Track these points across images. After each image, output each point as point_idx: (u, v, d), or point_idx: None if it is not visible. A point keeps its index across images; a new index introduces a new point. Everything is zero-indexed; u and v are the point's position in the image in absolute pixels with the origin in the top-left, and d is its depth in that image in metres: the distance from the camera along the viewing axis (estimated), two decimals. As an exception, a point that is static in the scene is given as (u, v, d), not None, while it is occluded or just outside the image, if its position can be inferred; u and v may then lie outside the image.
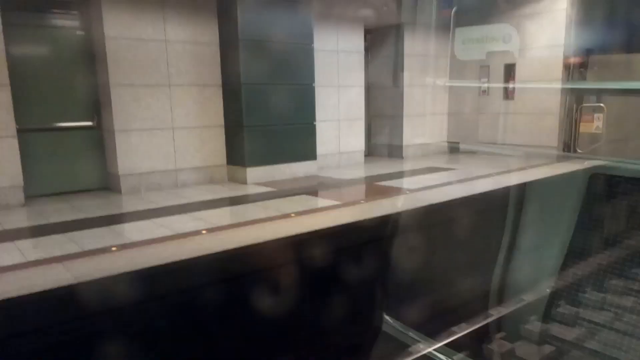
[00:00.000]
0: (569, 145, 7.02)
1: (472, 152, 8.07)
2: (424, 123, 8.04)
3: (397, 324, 3.89)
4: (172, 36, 5.18)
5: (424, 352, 3.67)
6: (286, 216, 3.81)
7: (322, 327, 3.45)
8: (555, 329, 4.31)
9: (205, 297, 2.85)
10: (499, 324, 4.24)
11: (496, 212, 4.82)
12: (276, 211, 4.01)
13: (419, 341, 3.75)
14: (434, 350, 3.68)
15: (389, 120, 7.87)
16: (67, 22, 4.95)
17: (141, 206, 4.41)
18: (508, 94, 7.57)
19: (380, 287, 3.80)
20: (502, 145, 7.73)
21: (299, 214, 3.91)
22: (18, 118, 4.45)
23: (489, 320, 4.23)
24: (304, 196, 4.70)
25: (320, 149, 6.49)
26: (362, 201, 4.42)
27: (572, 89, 6.92)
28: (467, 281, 4.46)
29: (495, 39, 7.56)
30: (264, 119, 5.55)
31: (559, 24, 6.77)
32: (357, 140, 7.13)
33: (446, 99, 8.27)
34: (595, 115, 6.87)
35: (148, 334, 2.62)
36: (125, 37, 4.89)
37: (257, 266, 3.12)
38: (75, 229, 3.56)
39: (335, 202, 4.34)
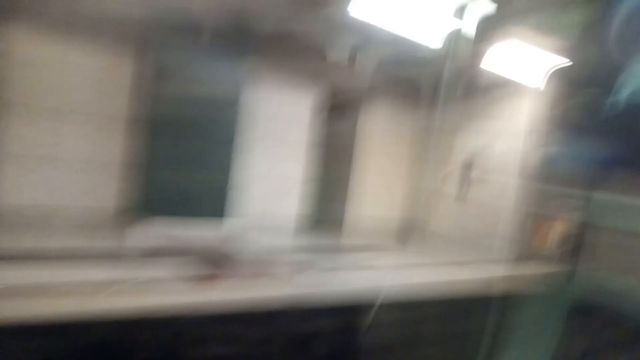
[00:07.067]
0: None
1: (430, 235, 7.25)
2: (384, 198, 7.33)
3: None
4: (77, 59, 4.71)
5: None
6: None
7: None
8: None
9: None
10: None
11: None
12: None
13: None
14: None
15: (343, 188, 7.18)
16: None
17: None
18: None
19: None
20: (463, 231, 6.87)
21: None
22: None
23: None
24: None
25: (248, 209, 5.84)
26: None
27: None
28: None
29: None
30: (169, 164, 4.93)
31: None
32: (295, 205, 6.42)
33: (412, 176, 7.57)
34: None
35: None
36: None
37: None
38: None
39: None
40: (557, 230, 5.82)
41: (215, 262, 3.88)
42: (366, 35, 5.27)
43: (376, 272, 4.45)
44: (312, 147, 6.54)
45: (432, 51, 5.57)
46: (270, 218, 6.15)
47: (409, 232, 7.53)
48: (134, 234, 4.82)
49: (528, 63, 5.97)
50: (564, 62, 5.81)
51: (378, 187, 7.27)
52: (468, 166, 6.75)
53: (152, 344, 3.04)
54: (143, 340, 3.02)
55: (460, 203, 6.81)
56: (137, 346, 3.02)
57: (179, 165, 4.99)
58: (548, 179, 5.94)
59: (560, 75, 5.88)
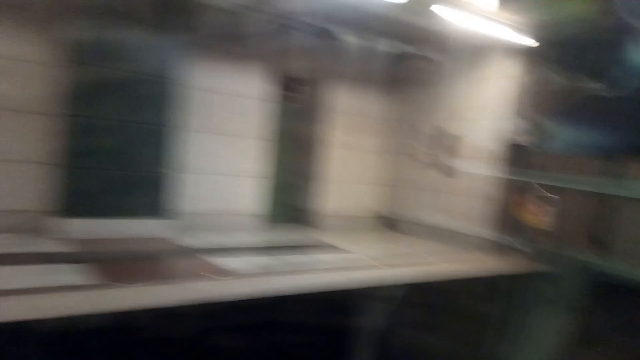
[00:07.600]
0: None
1: (404, 231, 6.73)
2: (353, 190, 6.83)
3: None
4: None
5: None
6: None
7: None
8: None
9: None
10: None
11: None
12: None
13: None
14: None
15: (310, 182, 6.69)
16: None
17: None
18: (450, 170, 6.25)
19: None
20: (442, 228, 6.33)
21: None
22: None
23: None
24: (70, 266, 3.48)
25: (194, 205, 5.39)
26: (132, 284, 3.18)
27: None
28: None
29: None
30: (96, 160, 4.47)
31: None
32: (249, 200, 5.93)
33: (384, 166, 7.07)
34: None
35: None
36: None
37: None
38: None
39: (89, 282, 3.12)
40: (540, 213, 5.26)
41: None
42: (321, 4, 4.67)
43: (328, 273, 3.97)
44: (265, 137, 6.04)
45: (395, 16, 4.90)
46: (215, 216, 5.67)
47: (383, 223, 7.05)
48: (55, 236, 4.37)
49: (509, 40, 5.39)
50: (552, 43, 5.25)
51: (344, 178, 6.77)
52: (446, 145, 6.18)
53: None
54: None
55: (440, 185, 6.30)
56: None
57: (104, 161, 4.53)
58: (529, 163, 5.41)
59: (546, 57, 5.31)
